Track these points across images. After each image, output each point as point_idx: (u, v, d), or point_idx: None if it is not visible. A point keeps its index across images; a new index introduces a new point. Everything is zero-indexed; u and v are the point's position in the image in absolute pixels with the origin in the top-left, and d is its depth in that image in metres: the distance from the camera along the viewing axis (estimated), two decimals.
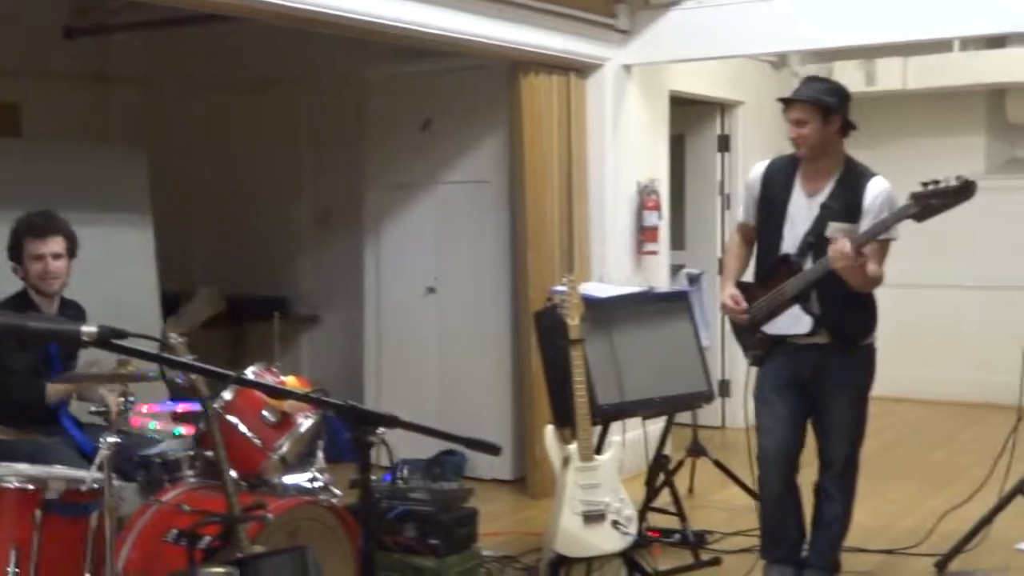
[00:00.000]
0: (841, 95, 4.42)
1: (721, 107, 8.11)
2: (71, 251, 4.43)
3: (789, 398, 4.53)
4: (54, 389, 4.31)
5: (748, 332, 4.61)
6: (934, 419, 8.55)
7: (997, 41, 8.42)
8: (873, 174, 4.42)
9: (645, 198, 6.88)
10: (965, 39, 8.05)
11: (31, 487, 3.44)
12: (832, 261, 4.17)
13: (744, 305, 4.51)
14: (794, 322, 4.41)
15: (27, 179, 5.86)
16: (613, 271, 6.57)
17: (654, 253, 6.97)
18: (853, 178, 4.40)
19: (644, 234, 6.88)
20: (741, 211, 4.79)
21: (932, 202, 4.08)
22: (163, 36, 7.29)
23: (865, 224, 4.29)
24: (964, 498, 5.18)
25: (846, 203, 4.35)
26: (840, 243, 4.14)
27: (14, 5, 6.67)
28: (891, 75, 8.73)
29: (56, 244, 4.36)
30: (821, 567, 4.58)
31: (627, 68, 6.73)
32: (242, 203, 7.81)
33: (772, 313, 4.46)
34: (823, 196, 4.40)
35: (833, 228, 4.31)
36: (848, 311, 4.40)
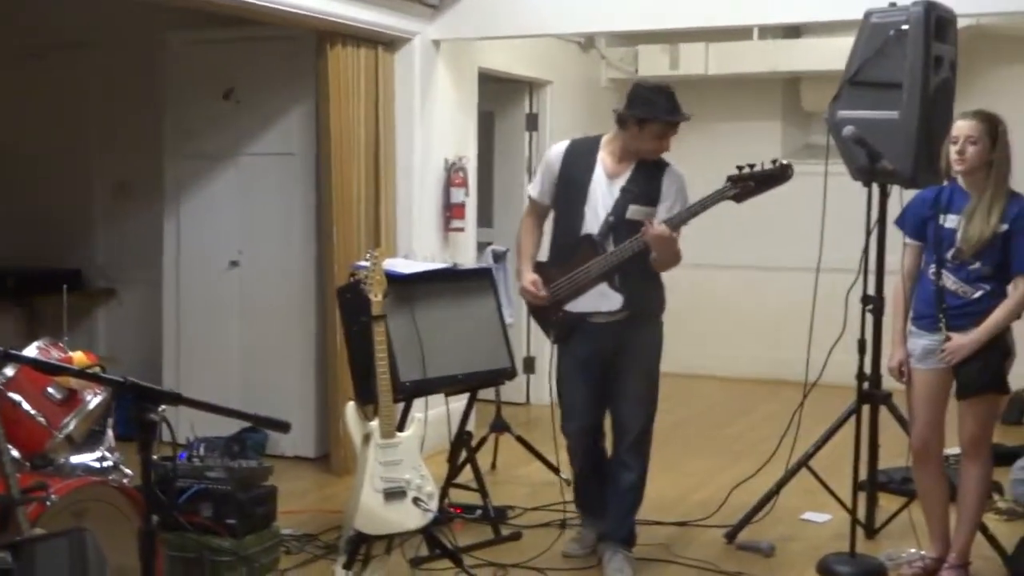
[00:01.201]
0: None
1: (530, 86, 8.17)
2: None
3: (590, 377, 4.68)
4: None
5: (548, 311, 4.71)
6: (728, 395, 8.85)
7: (793, 31, 8.76)
8: (667, 163, 4.61)
9: (453, 175, 6.88)
10: (763, 27, 8.33)
11: None
12: (653, 242, 4.33)
13: (544, 292, 4.63)
14: (601, 299, 4.53)
15: None
16: (420, 247, 6.54)
17: (461, 230, 6.98)
18: (650, 164, 4.58)
19: (451, 211, 6.88)
20: (536, 188, 4.84)
21: (750, 184, 4.32)
22: None
23: (664, 208, 4.49)
24: (753, 471, 5.37)
25: (644, 188, 4.54)
26: (659, 227, 4.32)
27: None
28: (694, 60, 8.97)
29: None
30: (618, 538, 4.71)
31: (436, 43, 6.70)
32: (32, 172, 7.48)
33: (576, 292, 4.58)
34: (623, 180, 4.55)
35: (633, 211, 4.50)
36: (646, 289, 4.59)
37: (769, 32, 8.69)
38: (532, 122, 8.23)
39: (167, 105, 6.94)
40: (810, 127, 9.40)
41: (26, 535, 2.92)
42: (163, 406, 2.17)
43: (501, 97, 8.10)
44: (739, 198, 4.37)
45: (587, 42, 8.52)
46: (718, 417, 8.04)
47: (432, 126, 6.75)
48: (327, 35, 6.14)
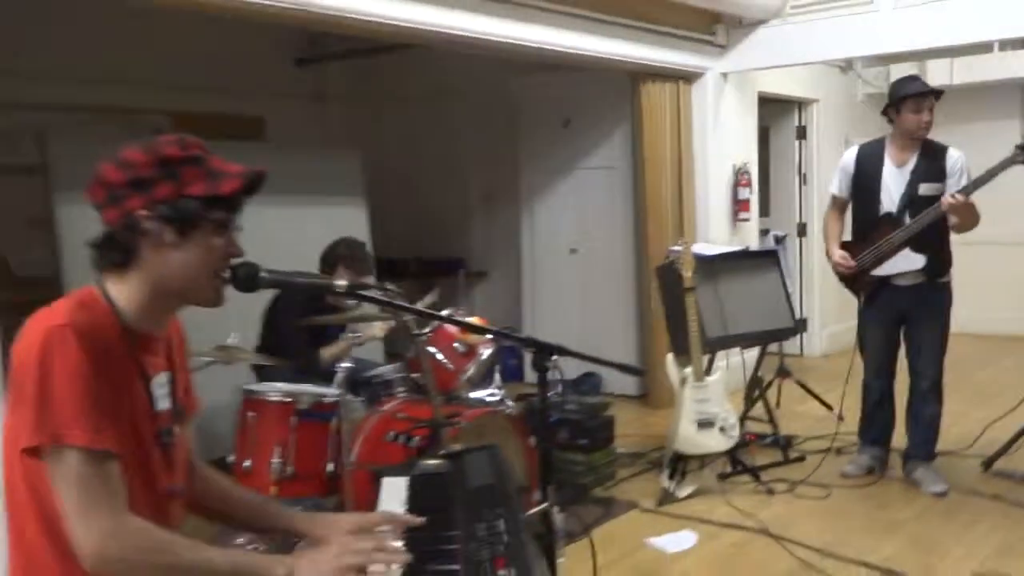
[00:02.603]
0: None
1: (799, 104, 7.86)
2: None
3: (888, 328, 4.57)
4: (329, 353, 4.30)
5: (857, 278, 4.57)
6: (978, 349, 8.18)
7: None
8: (947, 147, 4.43)
9: (739, 177, 6.75)
10: (1003, 41, 7.61)
11: (288, 400, 3.62)
12: (953, 210, 4.16)
13: (853, 262, 4.51)
14: (906, 261, 4.39)
15: (272, 174, 5.96)
16: (714, 235, 6.47)
17: (746, 220, 6.84)
18: (934, 150, 4.41)
19: (738, 205, 6.76)
20: (835, 187, 4.70)
21: None
22: (367, 63, 7.38)
23: (951, 183, 4.31)
24: (1006, 411, 4.97)
25: (930, 168, 4.36)
26: (957, 197, 4.13)
27: (256, 42, 6.83)
28: (939, 73, 8.29)
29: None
30: (923, 456, 4.60)
31: (724, 75, 6.58)
32: (429, 188, 7.89)
33: (880, 259, 4.45)
34: (910, 166, 4.40)
35: (924, 188, 4.36)
36: (938, 254, 4.41)
37: (1008, 44, 7.92)
38: (801, 133, 7.91)
39: (520, 133, 7.18)
40: None
41: (451, 450, 3.12)
42: (554, 356, 2.24)
43: (775, 114, 7.83)
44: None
45: (847, 65, 8.09)
46: (969, 366, 7.41)
47: (722, 140, 6.62)
48: (639, 74, 6.16)
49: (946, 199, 4.17)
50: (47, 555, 1.64)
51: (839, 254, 4.57)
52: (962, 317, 8.23)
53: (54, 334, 1.58)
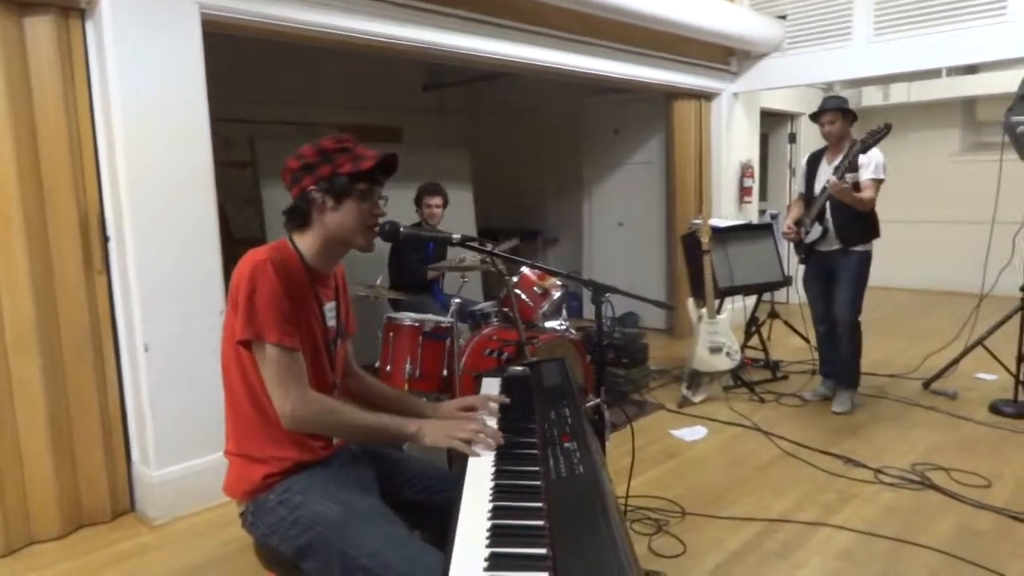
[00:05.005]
0: (846, 101, 4.10)
1: (791, 117, 7.51)
2: (445, 204, 4.47)
3: (821, 282, 4.27)
4: (431, 274, 4.40)
5: (798, 245, 4.33)
6: (915, 301, 7.83)
7: (971, 68, 7.44)
8: (870, 146, 3.98)
9: (745, 170, 6.51)
10: (949, 68, 7.14)
11: (416, 324, 3.64)
12: (833, 191, 3.86)
13: (795, 230, 4.26)
14: (813, 233, 4.14)
15: (406, 167, 5.99)
16: (725, 212, 6.26)
17: (749, 202, 6.59)
18: (856, 150, 4.00)
19: (743, 191, 6.52)
20: (798, 183, 4.45)
21: (868, 140, 3.82)
22: (473, 87, 7.33)
23: (862, 172, 3.94)
24: (940, 347, 4.74)
25: (850, 163, 3.96)
26: (831, 181, 3.86)
27: (396, 74, 6.84)
28: (899, 92, 7.85)
29: (438, 200, 4.41)
30: (846, 384, 4.34)
31: (735, 95, 6.31)
32: (517, 177, 7.83)
33: (807, 231, 4.21)
34: (837, 161, 4.07)
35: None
36: (849, 228, 4.05)
37: (953, 71, 7.43)
38: (792, 138, 7.55)
39: (584, 138, 7.02)
40: (981, 131, 7.98)
41: (531, 360, 3.11)
42: (607, 293, 2.20)
43: (773, 124, 7.50)
44: (863, 150, 3.84)
45: (828, 87, 7.68)
46: (913, 313, 7.13)
47: (732, 143, 6.37)
48: (672, 94, 5.95)
49: (828, 180, 3.88)
50: (252, 417, 1.69)
51: (788, 224, 4.31)
52: (905, 276, 7.99)
53: (258, 265, 1.61)
